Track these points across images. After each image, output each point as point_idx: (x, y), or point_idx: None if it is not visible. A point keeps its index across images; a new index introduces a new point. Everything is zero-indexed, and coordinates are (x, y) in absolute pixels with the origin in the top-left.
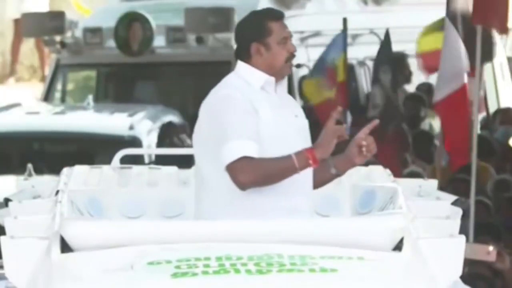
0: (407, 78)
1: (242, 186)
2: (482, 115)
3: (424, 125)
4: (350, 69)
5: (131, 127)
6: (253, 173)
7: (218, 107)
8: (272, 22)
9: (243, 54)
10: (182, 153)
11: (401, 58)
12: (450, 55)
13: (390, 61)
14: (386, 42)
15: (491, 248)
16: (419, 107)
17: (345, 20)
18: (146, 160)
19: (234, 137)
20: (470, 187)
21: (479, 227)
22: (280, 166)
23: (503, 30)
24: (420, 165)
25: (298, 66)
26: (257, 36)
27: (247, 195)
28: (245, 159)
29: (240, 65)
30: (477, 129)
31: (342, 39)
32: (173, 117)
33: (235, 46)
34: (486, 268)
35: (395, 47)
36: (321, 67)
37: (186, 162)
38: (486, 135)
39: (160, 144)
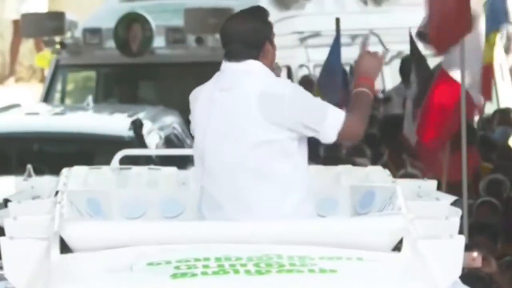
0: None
1: (360, 136)
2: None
3: None
4: (350, 69)
5: (130, 128)
6: (362, 121)
7: (300, 99)
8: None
9: (254, 53)
10: (181, 153)
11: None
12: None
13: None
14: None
15: (475, 254)
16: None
17: (338, 21)
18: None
19: (328, 107)
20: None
21: (476, 227)
22: (367, 102)
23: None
24: (419, 166)
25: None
26: (270, 34)
27: (310, 189)
28: (348, 115)
29: (255, 64)
30: (465, 127)
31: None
32: (173, 118)
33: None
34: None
35: (395, 48)
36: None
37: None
38: (489, 136)
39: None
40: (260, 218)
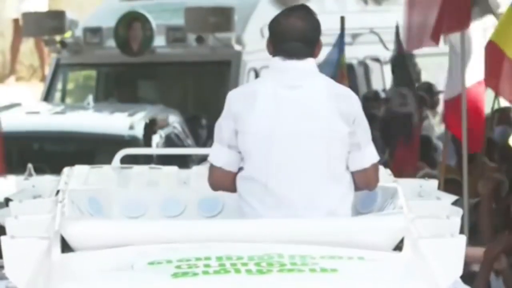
0: (416, 77)
1: (373, 189)
2: None
3: (425, 126)
4: (350, 69)
5: (131, 127)
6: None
7: (361, 111)
8: None
9: (311, 51)
10: (182, 152)
11: (409, 57)
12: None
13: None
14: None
15: None
16: (420, 107)
17: (342, 19)
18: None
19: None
20: (461, 187)
21: (475, 226)
22: None
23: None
24: (422, 167)
25: None
26: (321, 31)
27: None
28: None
29: (313, 62)
30: (465, 127)
31: (340, 39)
32: (173, 117)
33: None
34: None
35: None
36: (329, 70)
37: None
38: (493, 137)
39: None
40: (327, 216)
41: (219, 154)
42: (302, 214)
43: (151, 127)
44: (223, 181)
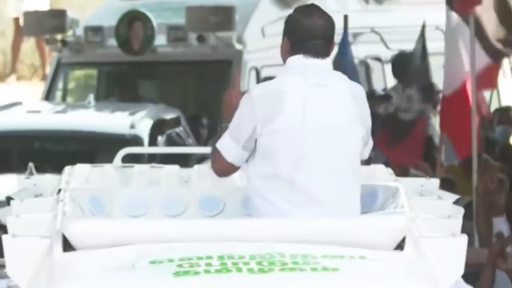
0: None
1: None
2: None
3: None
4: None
5: (132, 126)
6: None
7: (368, 107)
8: None
9: (329, 49)
10: (184, 151)
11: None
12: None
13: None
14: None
15: None
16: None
17: (346, 18)
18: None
19: None
20: (455, 188)
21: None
22: None
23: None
24: (422, 166)
25: None
26: None
27: None
28: None
29: (330, 61)
30: (475, 126)
31: (343, 38)
32: (174, 116)
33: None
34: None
35: (396, 46)
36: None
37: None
38: (494, 137)
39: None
40: (353, 216)
41: (232, 151)
42: (328, 212)
43: (159, 127)
44: (229, 173)
